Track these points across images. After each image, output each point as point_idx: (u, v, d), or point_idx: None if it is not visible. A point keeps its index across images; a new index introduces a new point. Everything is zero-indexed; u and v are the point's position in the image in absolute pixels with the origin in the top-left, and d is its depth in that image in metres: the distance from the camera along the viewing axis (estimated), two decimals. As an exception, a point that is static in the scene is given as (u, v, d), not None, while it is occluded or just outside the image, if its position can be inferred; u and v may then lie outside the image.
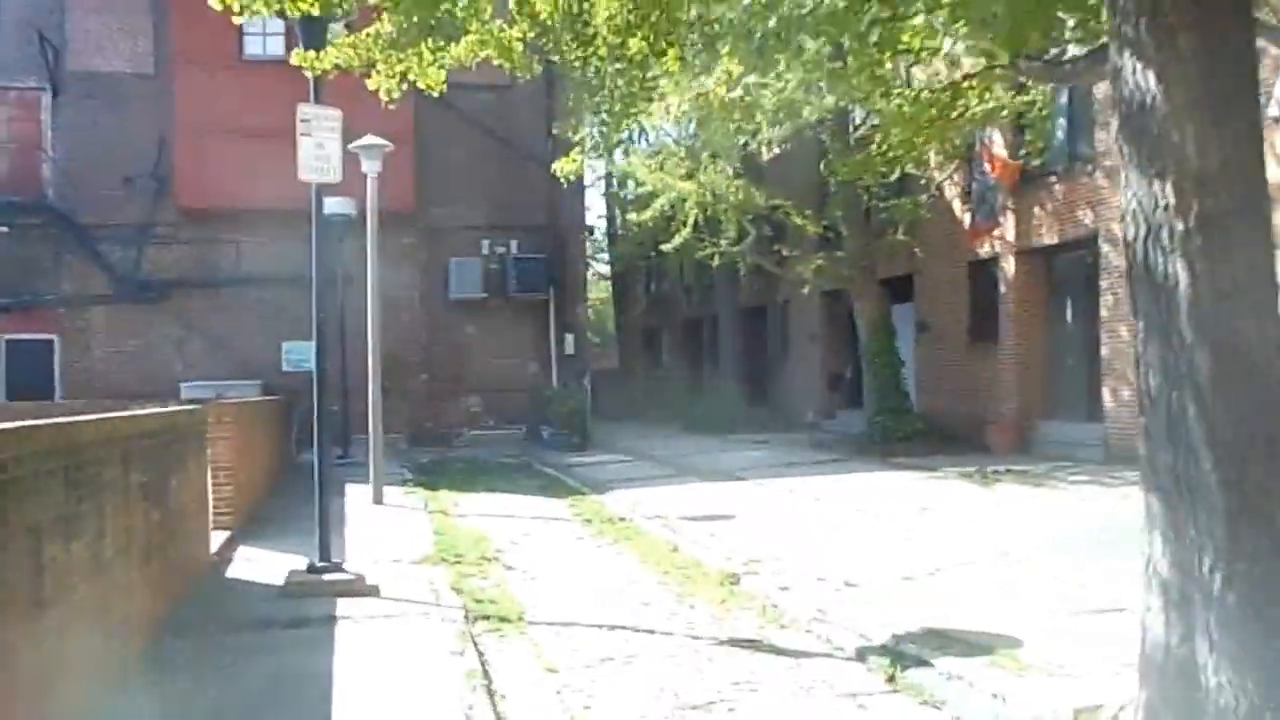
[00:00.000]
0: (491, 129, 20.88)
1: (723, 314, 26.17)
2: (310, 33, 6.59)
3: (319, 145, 7.13)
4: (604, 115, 5.62)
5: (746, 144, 17.10)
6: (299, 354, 17.99)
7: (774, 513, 10.83)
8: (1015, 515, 9.83)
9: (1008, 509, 10.29)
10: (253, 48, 19.37)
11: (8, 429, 3.47)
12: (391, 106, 5.49)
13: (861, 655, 5.51)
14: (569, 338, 21.38)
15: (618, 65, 4.99)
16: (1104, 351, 14.02)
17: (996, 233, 16.21)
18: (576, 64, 5.15)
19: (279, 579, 7.12)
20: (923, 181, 16.94)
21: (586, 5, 4.87)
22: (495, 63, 5.16)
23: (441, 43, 5.02)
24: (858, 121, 16.85)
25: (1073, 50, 4.67)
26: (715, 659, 5.60)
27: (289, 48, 8.70)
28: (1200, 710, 3.42)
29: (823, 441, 18.29)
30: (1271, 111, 10.33)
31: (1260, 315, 3.39)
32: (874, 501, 11.07)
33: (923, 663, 5.18)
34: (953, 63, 5.13)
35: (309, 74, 5.93)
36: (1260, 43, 3.66)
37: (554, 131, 17.23)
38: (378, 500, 11.62)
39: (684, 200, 18.38)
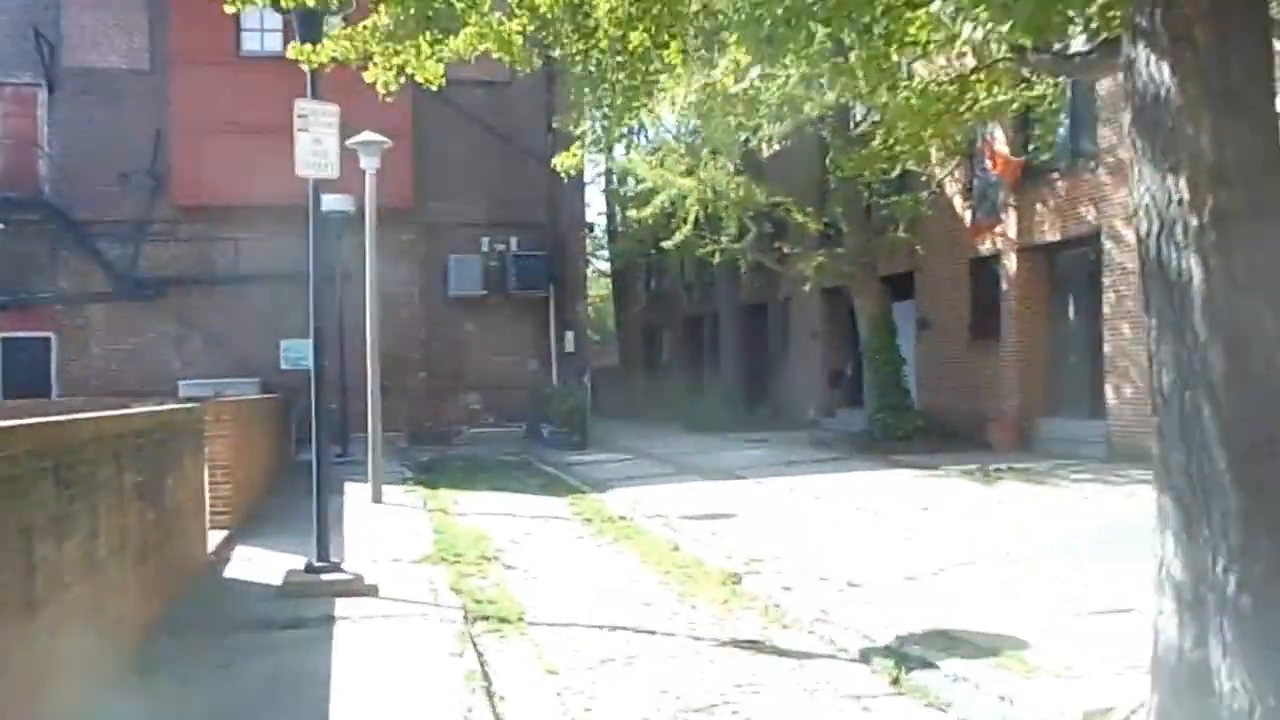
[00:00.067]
0: (491, 125, 20.80)
1: (723, 311, 26.11)
2: (307, 26, 6.52)
3: (316, 140, 7.07)
4: (605, 109, 5.55)
5: (747, 140, 17.02)
6: (297, 352, 17.92)
7: (775, 511, 10.77)
8: (1017, 514, 9.77)
9: (1010, 507, 10.23)
10: (250, 44, 19.31)
11: (-3, 428, 3.41)
12: (389, 99, 5.42)
13: (865, 656, 5.45)
14: (569, 335, 21.32)
15: (619, 58, 4.93)
16: (1106, 349, 13.96)
17: (998, 229, 16.15)
18: (577, 57, 5.08)
19: (277, 579, 7.06)
20: (924, 178, 16.88)
21: (587, -3, 4.81)
22: (495, 56, 5.09)
23: (439, 35, 4.95)
24: (858, 118, 16.78)
25: (1077, 44, 4.60)
26: (717, 660, 5.54)
27: (286, 44, 8.61)
28: (1213, 715, 3.36)
29: (823, 439, 18.24)
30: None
31: (1276, 312, 3.33)
32: (875, 500, 11.01)
33: (928, 664, 5.12)
34: (961, 54, 5.06)
35: (305, 68, 5.86)
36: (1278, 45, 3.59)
37: (554, 126, 17.16)
38: (377, 499, 11.56)
39: (684, 197, 18.30)
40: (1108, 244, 13.91)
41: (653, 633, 6.11)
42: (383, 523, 10.14)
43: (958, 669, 4.98)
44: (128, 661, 5.12)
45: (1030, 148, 13.40)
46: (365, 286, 12.02)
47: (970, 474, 12.62)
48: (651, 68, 5.06)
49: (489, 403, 21.18)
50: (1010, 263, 15.99)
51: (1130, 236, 13.21)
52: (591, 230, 30.17)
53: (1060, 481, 11.93)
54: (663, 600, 7.00)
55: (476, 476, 14.83)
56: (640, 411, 29.72)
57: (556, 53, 5.44)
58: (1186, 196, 3.36)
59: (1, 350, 19.53)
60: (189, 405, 8.50)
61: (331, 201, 13.45)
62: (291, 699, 4.80)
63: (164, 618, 6.00)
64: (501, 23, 5.02)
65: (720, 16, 4.43)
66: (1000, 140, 15.53)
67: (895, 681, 5.06)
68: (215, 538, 8.37)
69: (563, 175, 8.51)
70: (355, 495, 11.76)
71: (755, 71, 6.07)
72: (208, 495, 8.38)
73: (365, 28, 5.06)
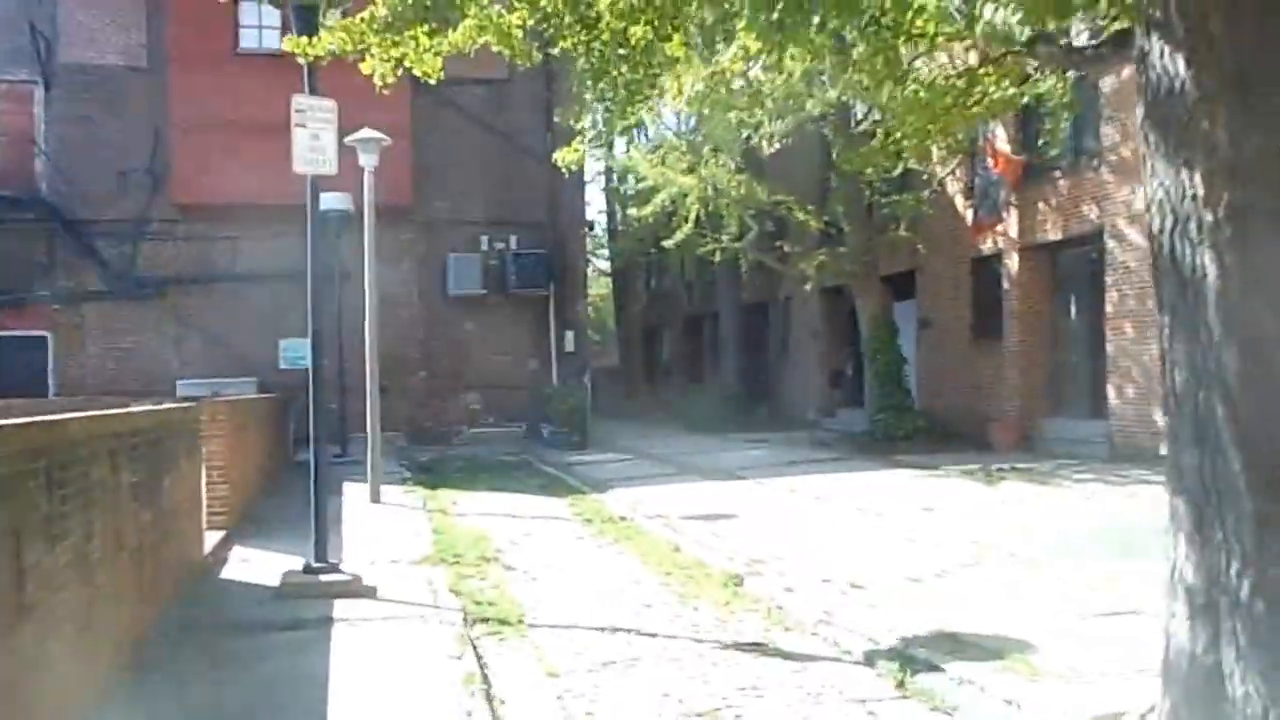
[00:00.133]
0: (490, 124, 20.73)
1: (724, 311, 26.06)
2: (304, 20, 6.46)
3: (314, 136, 7.01)
4: (607, 104, 5.49)
5: (748, 138, 16.99)
6: (296, 351, 17.84)
7: (776, 512, 10.71)
8: (1020, 514, 9.72)
9: (1012, 508, 10.18)
10: (248, 41, 19.21)
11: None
12: (386, 92, 5.35)
13: (869, 659, 5.38)
14: (569, 335, 21.24)
15: (621, 51, 4.86)
16: (1109, 348, 13.90)
17: (999, 229, 16.10)
18: (579, 51, 5.01)
19: (274, 580, 7.00)
20: (925, 177, 16.83)
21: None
22: (495, 49, 5.02)
23: (438, 27, 4.88)
24: (859, 116, 16.73)
25: (1083, 38, 4.54)
26: (720, 663, 5.47)
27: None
28: (1226, 720, 3.30)
29: (824, 440, 18.18)
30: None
31: (1293, 310, 3.25)
32: (877, 501, 10.96)
33: (933, 667, 5.06)
34: (968, 48, 4.99)
35: (302, 60, 5.79)
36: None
37: (554, 122, 17.09)
38: (375, 499, 11.50)
39: (685, 195, 18.25)
40: (1110, 243, 13.85)
41: (654, 635, 6.05)
42: (382, 523, 10.07)
43: (963, 672, 4.92)
44: (123, 665, 5.05)
45: (1040, 142, 13.31)
46: (364, 285, 11.95)
47: (972, 474, 12.57)
48: (655, 61, 5.00)
49: (489, 402, 21.10)
50: (1012, 262, 15.93)
51: (1133, 235, 13.15)
52: (592, 229, 30.04)
53: (1063, 482, 11.88)
54: (664, 602, 6.93)
55: (476, 477, 14.76)
56: (640, 411, 29.68)
57: (557, 49, 5.37)
58: (1201, 191, 3.28)
59: (-2, 350, 19.46)
60: (185, 405, 8.43)
61: (330, 200, 13.40)
62: (289, 702, 4.74)
63: (160, 620, 5.93)
64: (501, 15, 4.96)
65: (727, 4, 4.36)
66: (1002, 139, 15.47)
67: (900, 685, 4.99)
68: (212, 538, 8.30)
69: (563, 172, 8.44)
70: (354, 495, 11.70)
71: (761, 61, 6.01)
72: (204, 495, 8.31)
73: (362, 19, 4.99)
